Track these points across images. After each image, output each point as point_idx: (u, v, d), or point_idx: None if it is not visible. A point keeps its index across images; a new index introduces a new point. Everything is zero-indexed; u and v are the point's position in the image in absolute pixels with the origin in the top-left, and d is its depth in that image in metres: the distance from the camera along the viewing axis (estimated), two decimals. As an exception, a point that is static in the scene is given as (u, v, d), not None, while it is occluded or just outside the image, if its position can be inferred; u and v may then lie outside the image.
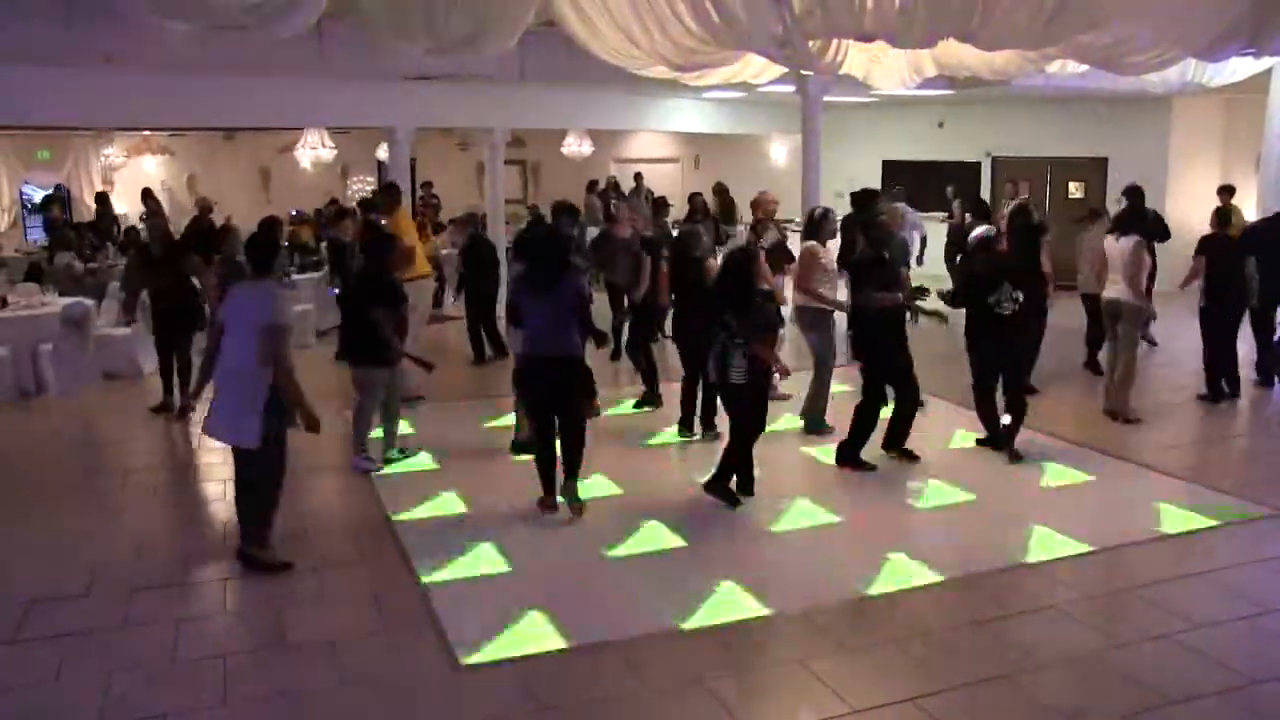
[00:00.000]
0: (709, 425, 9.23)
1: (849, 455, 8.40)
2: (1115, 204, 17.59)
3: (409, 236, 10.93)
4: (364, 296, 8.40)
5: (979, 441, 8.99)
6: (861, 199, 11.18)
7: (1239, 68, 12.26)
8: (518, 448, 8.59)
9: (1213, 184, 16.36)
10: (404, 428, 9.09)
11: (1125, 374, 9.79)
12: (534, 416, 7.58)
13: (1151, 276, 9.81)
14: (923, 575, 6.40)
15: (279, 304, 6.34)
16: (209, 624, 5.90)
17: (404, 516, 7.46)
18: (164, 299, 10.40)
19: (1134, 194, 11.59)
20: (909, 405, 8.51)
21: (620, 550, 6.78)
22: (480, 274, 12.73)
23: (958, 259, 13.29)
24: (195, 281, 10.51)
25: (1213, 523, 7.28)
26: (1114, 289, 9.77)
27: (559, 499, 7.40)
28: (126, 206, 21.31)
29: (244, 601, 6.21)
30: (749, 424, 7.59)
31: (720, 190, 20.74)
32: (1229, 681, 5.15)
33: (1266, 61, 12.22)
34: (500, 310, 11.49)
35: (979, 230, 9.13)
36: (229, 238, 11.19)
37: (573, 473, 7.40)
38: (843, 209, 19.80)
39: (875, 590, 6.20)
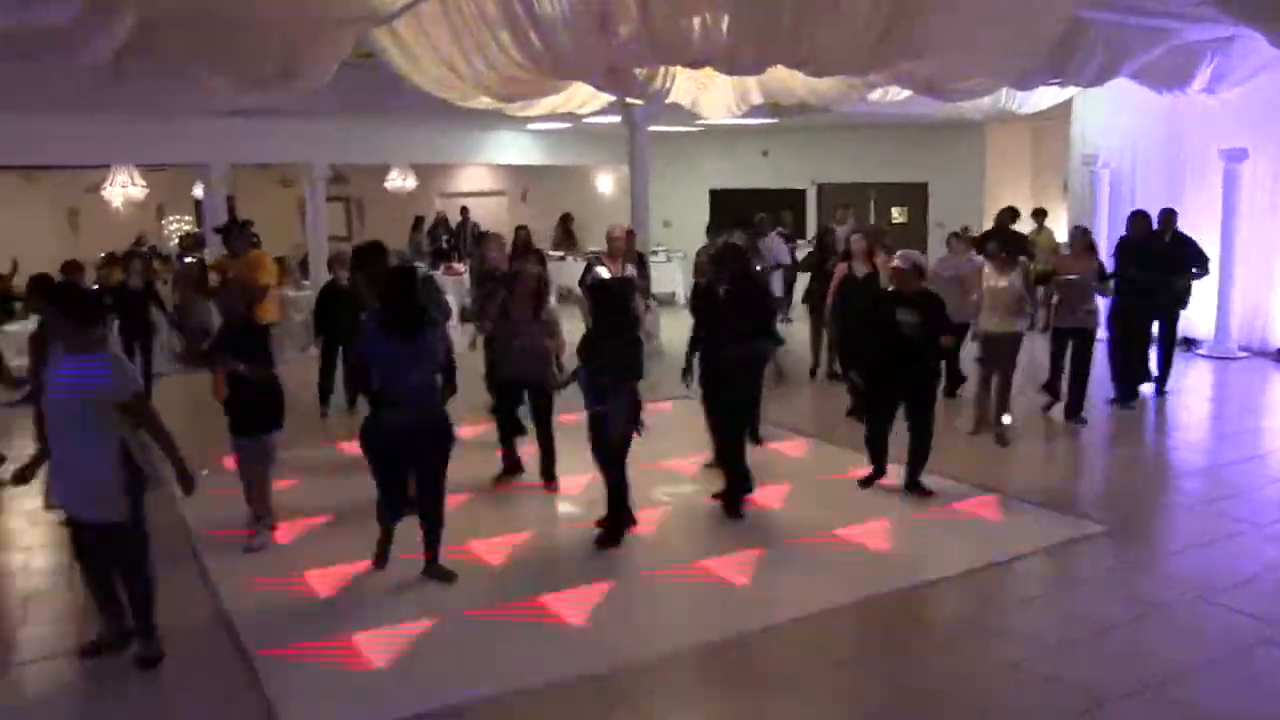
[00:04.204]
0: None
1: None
2: (937, 227, 18.19)
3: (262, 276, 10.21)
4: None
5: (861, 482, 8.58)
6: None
7: (1045, 96, 12.71)
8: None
9: (1025, 206, 16.97)
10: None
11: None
12: (387, 486, 6.70)
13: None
14: (770, 616, 6.18)
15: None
16: None
17: (227, 583, 6.76)
18: None
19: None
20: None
21: (462, 606, 6.39)
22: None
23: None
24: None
25: (1053, 541, 7.33)
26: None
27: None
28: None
29: (44, 691, 5.53)
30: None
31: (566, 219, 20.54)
32: (1079, 706, 5.11)
33: (1069, 90, 12.70)
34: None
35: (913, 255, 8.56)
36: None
37: (437, 546, 6.73)
38: (675, 238, 20.04)
39: (721, 635, 5.94)
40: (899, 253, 8.57)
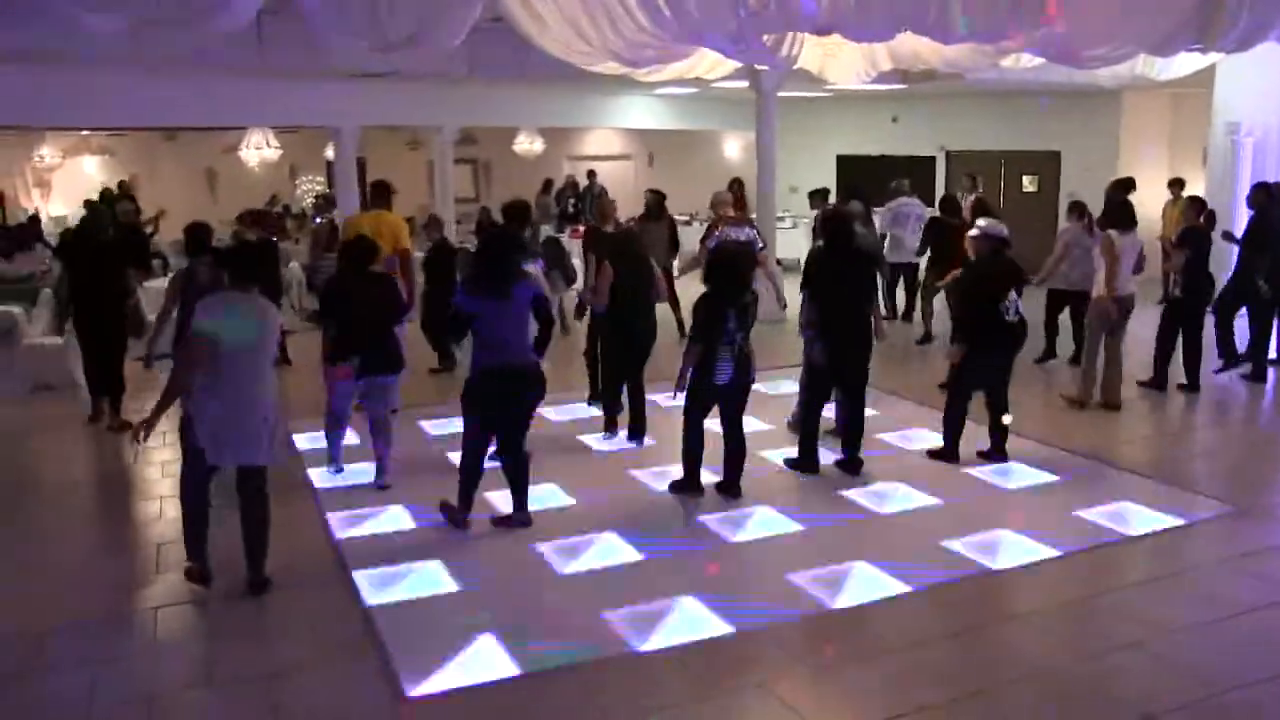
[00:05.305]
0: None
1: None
2: (1067, 197, 17.66)
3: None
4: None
5: (931, 453, 8.56)
6: None
7: (1186, 63, 12.21)
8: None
9: (1161, 177, 16.40)
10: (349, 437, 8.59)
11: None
12: (477, 431, 6.92)
13: None
14: (887, 586, 6.18)
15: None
16: (133, 662, 5.48)
17: (347, 535, 7.07)
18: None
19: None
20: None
21: (573, 566, 6.50)
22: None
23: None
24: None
25: (1178, 522, 7.15)
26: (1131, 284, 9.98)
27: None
28: (67, 208, 20.77)
29: (172, 634, 5.81)
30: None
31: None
32: (1202, 691, 4.99)
33: (1212, 57, 12.18)
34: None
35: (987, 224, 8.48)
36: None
37: (524, 496, 7.13)
38: (796, 205, 19.84)
39: (839, 604, 5.97)
40: (978, 222, 8.57)
